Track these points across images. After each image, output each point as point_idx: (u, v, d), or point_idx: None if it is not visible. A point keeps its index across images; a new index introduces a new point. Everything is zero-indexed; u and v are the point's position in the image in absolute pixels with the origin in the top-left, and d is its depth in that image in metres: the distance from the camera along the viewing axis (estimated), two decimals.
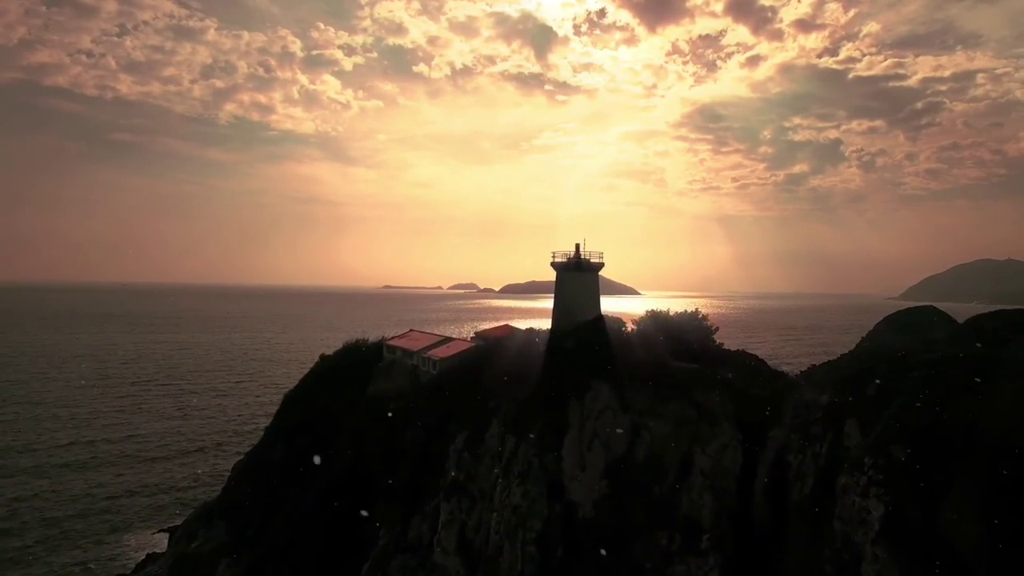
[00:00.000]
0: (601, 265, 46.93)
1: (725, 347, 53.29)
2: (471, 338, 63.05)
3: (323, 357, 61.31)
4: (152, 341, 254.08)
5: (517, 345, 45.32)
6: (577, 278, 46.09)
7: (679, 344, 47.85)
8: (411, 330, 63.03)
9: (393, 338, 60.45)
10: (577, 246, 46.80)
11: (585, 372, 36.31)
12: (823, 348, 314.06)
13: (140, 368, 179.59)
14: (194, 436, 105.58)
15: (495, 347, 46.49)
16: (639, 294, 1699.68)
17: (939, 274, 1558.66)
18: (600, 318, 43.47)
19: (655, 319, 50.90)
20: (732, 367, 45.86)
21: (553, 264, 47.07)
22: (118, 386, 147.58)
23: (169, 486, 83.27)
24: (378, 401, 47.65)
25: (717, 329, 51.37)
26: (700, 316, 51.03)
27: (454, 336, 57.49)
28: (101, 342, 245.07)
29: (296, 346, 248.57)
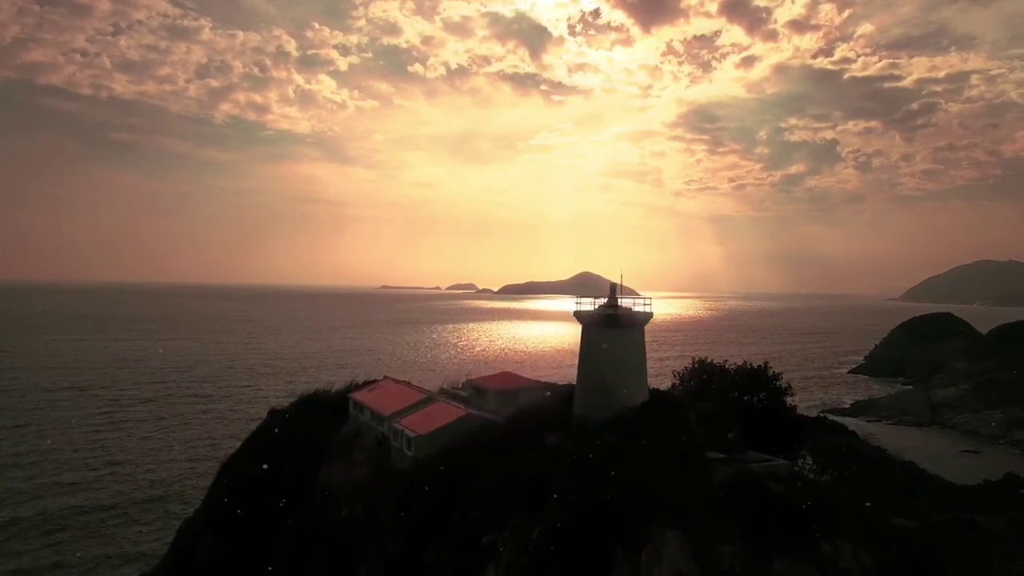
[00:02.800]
0: (649, 316, 32.37)
1: (797, 408, 39.92)
2: (462, 385, 49.89)
3: (273, 413, 48.03)
4: (139, 348, 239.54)
5: (525, 420, 31.93)
6: (615, 338, 30.77)
7: (738, 407, 34.84)
8: (385, 378, 49.66)
9: (362, 390, 47.11)
10: (613, 287, 32.61)
11: (637, 502, 23.12)
12: (836, 356, 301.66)
13: (120, 380, 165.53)
14: (158, 477, 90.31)
15: (494, 426, 32.92)
16: (638, 295, 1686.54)
17: (939, 275, 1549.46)
18: (654, 403, 29.52)
19: (707, 373, 37.57)
20: (818, 445, 32.58)
21: (577, 314, 32.78)
22: (87, 407, 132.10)
23: (108, 555, 69.01)
24: (330, 498, 34.58)
25: (790, 389, 38.20)
26: (769, 372, 37.93)
27: (438, 394, 44.10)
28: (84, 348, 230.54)
29: (287, 353, 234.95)
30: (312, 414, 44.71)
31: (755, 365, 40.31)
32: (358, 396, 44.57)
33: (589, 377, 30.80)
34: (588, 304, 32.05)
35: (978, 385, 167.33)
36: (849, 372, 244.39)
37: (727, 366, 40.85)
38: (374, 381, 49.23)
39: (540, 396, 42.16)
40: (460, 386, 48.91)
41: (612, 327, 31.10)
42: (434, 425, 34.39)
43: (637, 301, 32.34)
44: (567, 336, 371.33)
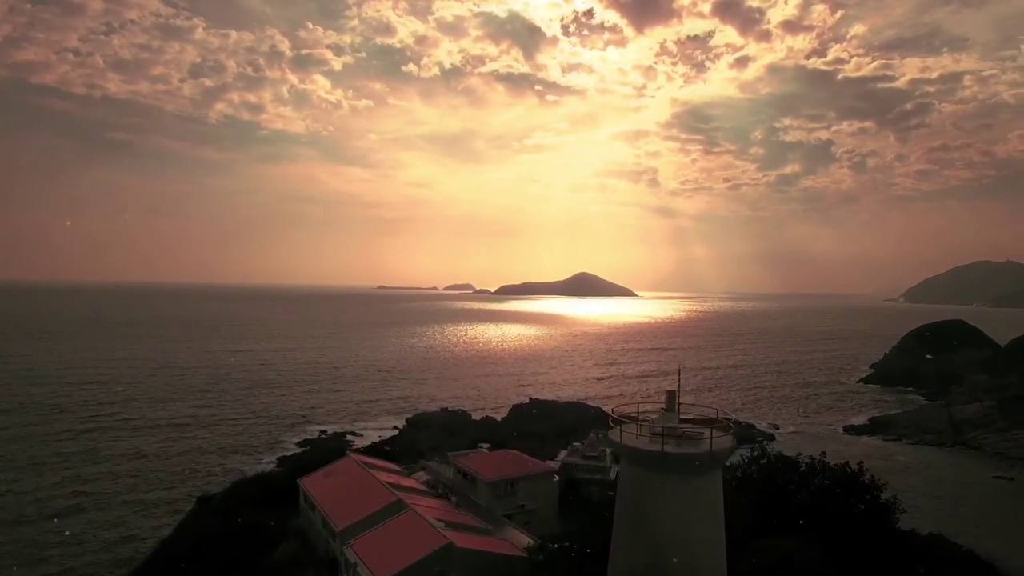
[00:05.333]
0: (731, 448, 20.00)
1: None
2: (449, 457, 39.90)
3: (202, 501, 38.09)
4: (125, 357, 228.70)
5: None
6: (680, 492, 18.38)
7: (826, 520, 24.94)
8: (348, 455, 39.31)
9: (316, 473, 36.98)
10: (672, 397, 20.16)
11: None
12: (843, 363, 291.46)
13: (99, 395, 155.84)
14: (112, 537, 78.62)
15: None
16: (635, 295, 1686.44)
17: (938, 276, 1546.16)
18: None
19: (777, 472, 27.52)
20: None
21: (618, 447, 20.51)
22: (59, 433, 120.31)
23: None
24: None
25: (897, 504, 28.14)
26: (865, 476, 27.94)
27: (414, 484, 34.02)
28: (67, 358, 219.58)
29: (277, 363, 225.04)
30: (248, 511, 34.65)
31: (848, 466, 30.26)
32: (309, 486, 34.58)
33: (633, 551, 18.82)
34: (628, 424, 20.11)
35: (1003, 402, 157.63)
36: (859, 382, 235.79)
37: (801, 460, 30.94)
38: (331, 467, 38.74)
39: (545, 486, 31.93)
40: (448, 457, 38.85)
41: (678, 473, 18.21)
42: (399, 563, 24.48)
43: (714, 411, 20.06)
44: (568, 342, 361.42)
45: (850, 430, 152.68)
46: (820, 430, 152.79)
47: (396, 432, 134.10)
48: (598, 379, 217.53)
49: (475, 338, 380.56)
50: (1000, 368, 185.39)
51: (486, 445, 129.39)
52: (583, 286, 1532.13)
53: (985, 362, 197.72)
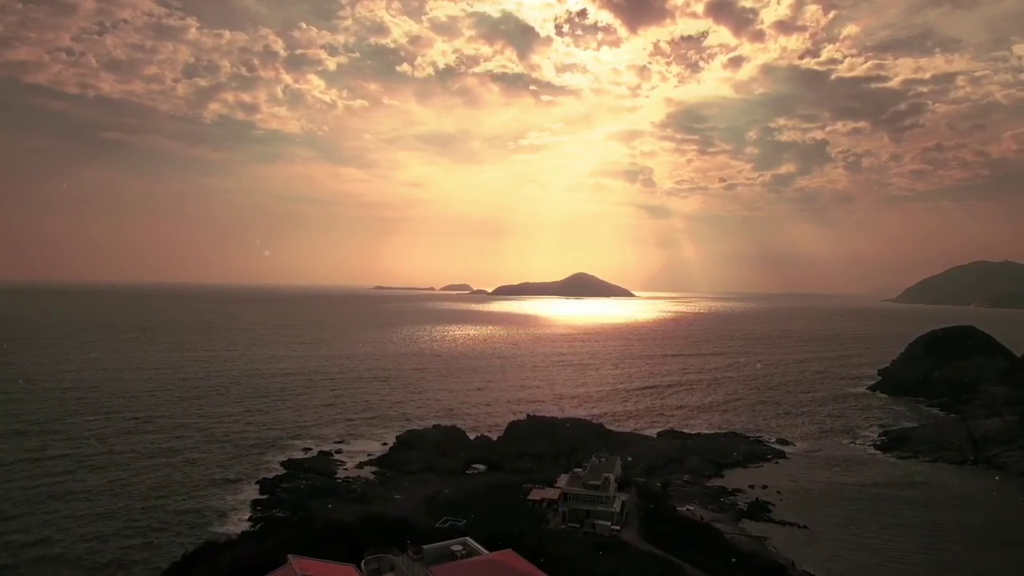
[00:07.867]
0: None
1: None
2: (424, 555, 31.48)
3: None
4: (113, 365, 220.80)
5: None
6: None
7: None
8: (291, 562, 30.67)
9: None
10: None
11: None
12: (849, 369, 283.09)
13: (86, 407, 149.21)
14: None
15: None
16: (632, 295, 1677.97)
17: (935, 276, 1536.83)
18: None
19: None
20: None
21: None
22: (34, 455, 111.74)
23: None
24: None
25: None
26: None
27: None
28: (49, 367, 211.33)
29: (265, 371, 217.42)
30: None
31: None
32: None
33: None
34: None
35: None
36: (867, 390, 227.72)
37: None
38: (279, 563, 30.21)
39: None
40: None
41: None
42: None
43: None
44: (566, 348, 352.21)
45: (865, 447, 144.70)
46: (834, 448, 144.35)
47: (385, 451, 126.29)
48: (599, 391, 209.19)
49: (471, 343, 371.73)
50: (1020, 379, 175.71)
51: (481, 466, 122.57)
52: (581, 286, 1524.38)
53: (1003, 372, 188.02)
